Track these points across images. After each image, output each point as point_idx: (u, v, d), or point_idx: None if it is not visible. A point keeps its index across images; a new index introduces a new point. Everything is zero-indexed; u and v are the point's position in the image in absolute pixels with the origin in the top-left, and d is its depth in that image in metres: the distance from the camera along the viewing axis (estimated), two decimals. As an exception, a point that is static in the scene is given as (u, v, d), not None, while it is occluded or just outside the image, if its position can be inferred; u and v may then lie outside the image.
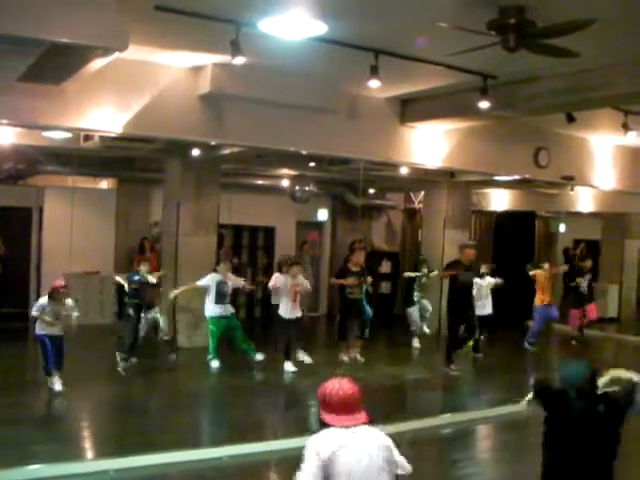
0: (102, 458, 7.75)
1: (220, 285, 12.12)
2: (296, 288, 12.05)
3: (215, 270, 12.40)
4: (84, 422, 9.62)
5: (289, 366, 12.07)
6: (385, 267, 19.95)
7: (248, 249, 19.47)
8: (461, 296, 12.51)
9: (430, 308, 15.19)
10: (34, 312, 10.18)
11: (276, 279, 12.30)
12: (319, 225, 20.56)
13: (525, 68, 9.25)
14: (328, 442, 3.91)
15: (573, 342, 16.77)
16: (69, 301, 10.31)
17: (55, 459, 7.39)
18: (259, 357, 12.31)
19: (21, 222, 17.03)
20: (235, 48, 7.85)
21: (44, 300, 10.18)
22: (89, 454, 8.27)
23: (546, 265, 15.87)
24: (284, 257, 14.25)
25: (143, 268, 12.21)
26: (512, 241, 20.91)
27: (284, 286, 12.07)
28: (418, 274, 14.94)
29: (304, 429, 9.15)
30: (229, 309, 12.27)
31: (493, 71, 9.60)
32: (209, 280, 12.15)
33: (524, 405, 5.08)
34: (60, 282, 10.39)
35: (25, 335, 14.72)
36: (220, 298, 12.09)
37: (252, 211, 18.12)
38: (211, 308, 12.17)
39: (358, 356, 12.96)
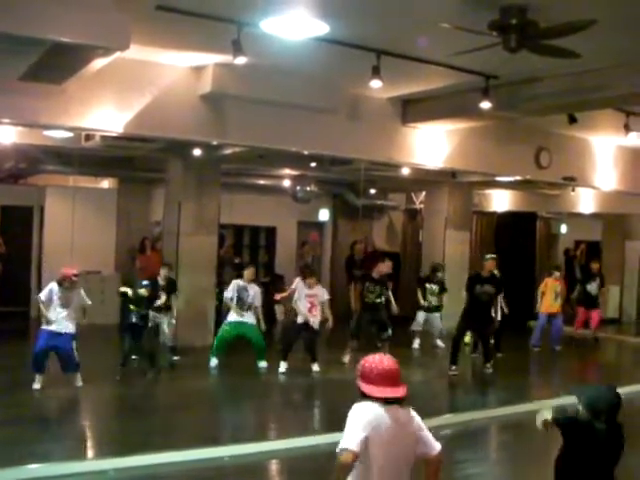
0: (102, 458, 7.77)
1: (241, 291, 12.12)
2: (311, 299, 12.07)
3: (239, 276, 12.50)
4: (84, 422, 9.65)
5: (282, 367, 12.10)
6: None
7: (249, 249, 19.47)
8: (475, 308, 12.60)
9: (439, 325, 15.22)
10: (41, 295, 10.11)
11: (296, 282, 12.40)
12: (320, 225, 20.55)
13: (527, 69, 9.25)
14: (373, 414, 3.92)
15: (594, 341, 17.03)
16: (81, 291, 10.29)
17: (54, 458, 7.40)
18: (262, 364, 12.31)
19: (22, 221, 17.05)
20: (237, 48, 7.85)
21: (53, 284, 10.11)
22: (89, 453, 8.27)
23: (557, 273, 16.03)
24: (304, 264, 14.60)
25: (163, 272, 12.30)
26: (513, 242, 20.88)
27: (301, 292, 12.13)
28: (428, 287, 15.12)
29: (304, 429, 9.18)
30: (249, 318, 12.17)
31: (495, 72, 9.59)
32: (233, 287, 12.19)
33: (539, 425, 4.78)
34: (71, 270, 10.24)
35: (26, 334, 14.73)
36: (240, 303, 12.08)
37: (253, 211, 18.13)
38: (230, 314, 12.20)
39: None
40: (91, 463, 7.60)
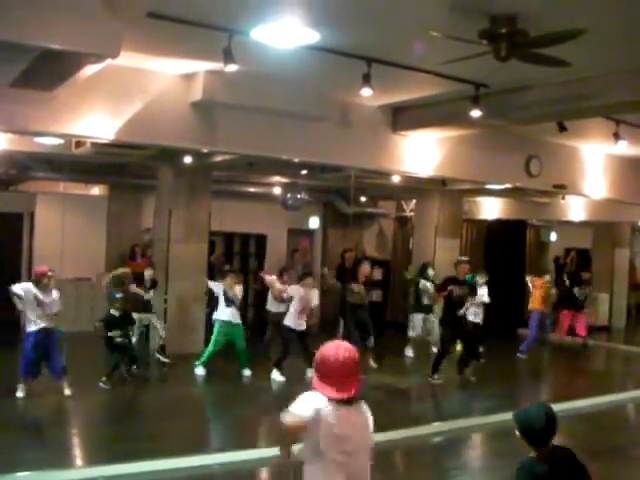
0: (91, 465, 7.75)
1: (226, 293, 12.36)
2: (305, 304, 12.19)
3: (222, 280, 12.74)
4: (72, 429, 9.60)
5: (276, 375, 12.09)
6: (376, 275, 19.94)
7: (239, 256, 19.45)
8: (455, 311, 12.72)
9: (435, 328, 15.12)
10: (15, 288, 10.12)
11: (292, 290, 12.43)
12: (310, 233, 20.56)
13: (517, 77, 9.27)
14: (326, 409, 3.81)
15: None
16: (55, 293, 10.24)
17: (43, 466, 7.38)
18: (246, 373, 12.37)
19: (12, 228, 17.00)
20: (227, 56, 7.85)
21: (29, 284, 10.12)
22: (78, 461, 8.24)
23: (547, 277, 16.23)
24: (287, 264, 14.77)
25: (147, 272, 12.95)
26: (503, 250, 20.95)
27: (297, 297, 12.18)
28: (422, 285, 15.08)
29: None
30: (235, 316, 12.38)
31: (485, 80, 9.61)
32: (216, 287, 12.50)
33: None
34: (44, 268, 10.34)
35: (15, 341, 14.65)
36: (228, 302, 12.28)
37: (244, 218, 18.13)
38: (219, 311, 12.33)
39: (372, 362, 13.19)
40: (80, 471, 7.59)
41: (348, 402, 3.85)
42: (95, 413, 10.41)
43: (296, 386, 11.75)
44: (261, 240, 19.41)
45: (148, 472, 7.48)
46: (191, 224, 14.01)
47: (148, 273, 13.18)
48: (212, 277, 14.61)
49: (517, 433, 4.32)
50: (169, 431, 9.39)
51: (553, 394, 13.21)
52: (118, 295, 11.80)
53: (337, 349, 3.85)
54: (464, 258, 13.31)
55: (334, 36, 7.88)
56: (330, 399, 3.80)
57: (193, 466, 7.74)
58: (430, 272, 15.12)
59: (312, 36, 7.73)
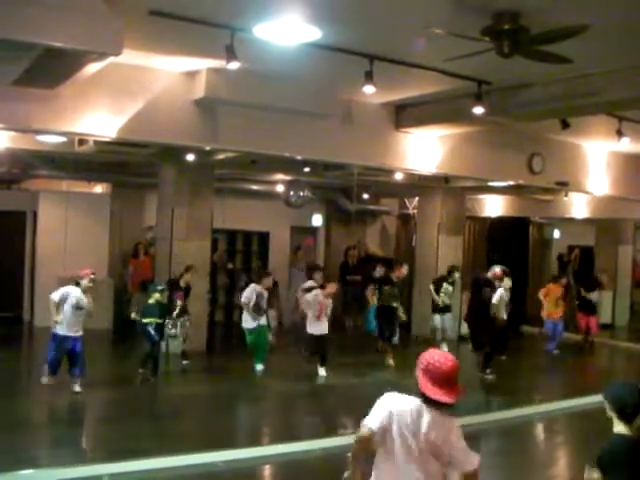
0: (96, 463, 7.74)
1: (259, 297, 12.28)
2: (323, 308, 12.22)
3: (251, 281, 12.88)
4: (78, 427, 9.60)
5: (322, 371, 12.33)
6: (379, 273, 19.91)
7: (242, 254, 19.46)
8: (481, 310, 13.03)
9: (452, 326, 15.30)
10: (54, 296, 10.14)
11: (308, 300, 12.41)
12: (313, 230, 20.55)
13: (519, 74, 9.27)
14: (402, 404, 4.00)
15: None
16: (90, 301, 10.30)
17: (49, 464, 7.39)
18: (259, 367, 12.40)
19: (15, 226, 17.03)
20: (230, 53, 7.86)
21: (70, 287, 10.15)
22: (83, 459, 8.24)
23: (564, 280, 16.56)
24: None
25: (187, 276, 12.65)
26: (506, 247, 20.89)
27: (313, 301, 12.26)
28: (444, 287, 15.24)
29: (299, 434, 9.16)
30: (264, 321, 12.41)
31: (487, 77, 9.62)
32: (251, 292, 12.30)
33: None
34: (87, 270, 10.40)
35: (18, 340, 14.69)
36: (256, 307, 12.22)
37: (246, 216, 18.13)
38: (248, 320, 12.30)
39: (391, 361, 13.32)
40: (85, 468, 7.56)
41: (446, 406, 4.01)
42: (104, 411, 10.39)
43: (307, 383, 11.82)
44: (264, 238, 19.42)
45: (153, 470, 7.47)
46: (194, 222, 14.00)
47: (187, 276, 12.79)
48: (215, 275, 14.62)
49: (608, 411, 4.43)
50: (176, 429, 9.40)
51: (554, 392, 13.16)
52: (159, 287, 11.85)
53: (444, 358, 4.05)
54: (502, 268, 13.66)
55: (336, 33, 7.89)
56: (433, 402, 3.97)
57: (198, 464, 7.73)
58: (456, 275, 15.45)
59: (314, 33, 7.74)
